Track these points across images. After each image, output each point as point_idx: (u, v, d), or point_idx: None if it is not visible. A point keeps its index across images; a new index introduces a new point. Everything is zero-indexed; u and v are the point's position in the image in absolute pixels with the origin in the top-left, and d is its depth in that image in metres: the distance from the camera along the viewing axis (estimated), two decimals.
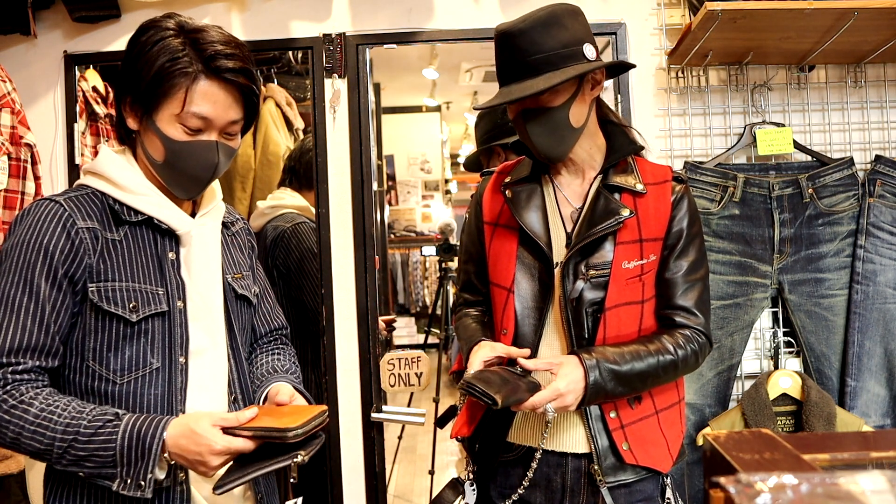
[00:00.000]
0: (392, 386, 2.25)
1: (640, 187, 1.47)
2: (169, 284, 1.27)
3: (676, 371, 1.44)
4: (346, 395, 2.27)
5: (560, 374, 1.35)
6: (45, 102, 2.27)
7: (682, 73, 2.26)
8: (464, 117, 6.77)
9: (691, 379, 2.12)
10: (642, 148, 1.53)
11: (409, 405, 3.74)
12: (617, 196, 1.46)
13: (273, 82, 3.16)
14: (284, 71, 3.21)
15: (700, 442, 2.11)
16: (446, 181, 7.53)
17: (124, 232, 1.27)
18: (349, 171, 2.26)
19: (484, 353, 1.40)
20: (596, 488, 1.44)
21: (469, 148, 7.36)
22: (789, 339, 2.21)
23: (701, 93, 2.27)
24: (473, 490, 1.54)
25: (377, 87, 4.51)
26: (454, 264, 4.15)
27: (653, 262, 1.46)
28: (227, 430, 1.16)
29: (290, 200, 2.53)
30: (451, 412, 1.62)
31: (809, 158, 2.21)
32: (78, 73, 2.28)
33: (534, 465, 1.44)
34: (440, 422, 1.67)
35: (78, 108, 2.27)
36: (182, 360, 1.26)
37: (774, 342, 2.22)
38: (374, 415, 2.25)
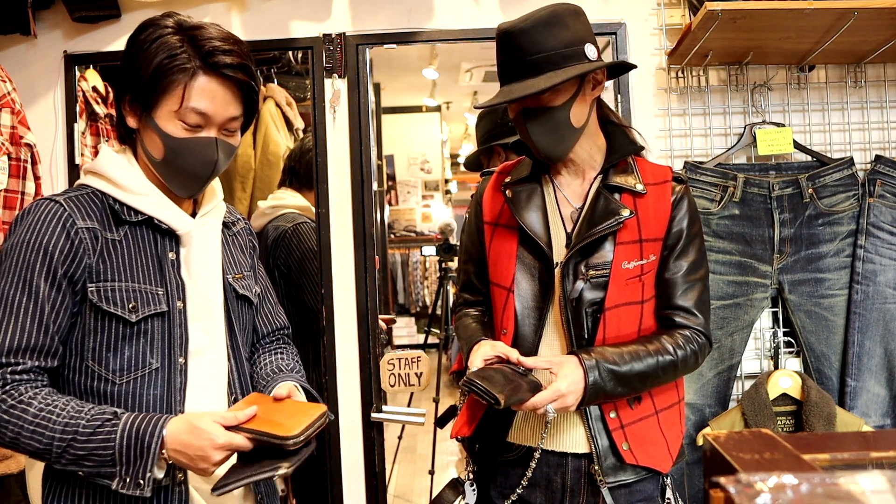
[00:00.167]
0: (392, 386, 2.25)
1: (640, 187, 1.47)
2: (169, 284, 1.27)
3: (676, 371, 1.44)
4: (346, 395, 2.27)
5: (561, 375, 1.35)
6: (45, 102, 2.27)
7: (682, 73, 2.26)
8: (464, 117, 6.77)
9: (691, 379, 2.12)
10: (642, 148, 1.53)
11: (409, 405, 3.75)
12: (617, 196, 1.46)
13: (273, 82, 3.16)
14: (284, 71, 3.21)
15: (700, 442, 2.10)
16: (446, 181, 7.54)
17: (124, 232, 1.26)
18: (349, 171, 2.26)
19: (485, 351, 1.40)
20: (596, 488, 1.44)
21: (469, 148, 7.37)
22: (789, 339, 2.21)
23: (701, 93, 2.27)
24: (473, 490, 1.54)
25: (377, 87, 4.51)
26: (454, 264, 4.15)
27: (653, 262, 1.46)
28: (227, 429, 1.16)
29: (291, 200, 2.53)
30: (451, 412, 1.61)
31: (809, 158, 2.21)
32: (78, 73, 2.28)
33: (533, 465, 1.44)
34: (440, 422, 1.66)
35: (78, 108, 2.27)
36: (181, 360, 1.26)
37: (774, 342, 2.22)
38: (374, 415, 2.24)
